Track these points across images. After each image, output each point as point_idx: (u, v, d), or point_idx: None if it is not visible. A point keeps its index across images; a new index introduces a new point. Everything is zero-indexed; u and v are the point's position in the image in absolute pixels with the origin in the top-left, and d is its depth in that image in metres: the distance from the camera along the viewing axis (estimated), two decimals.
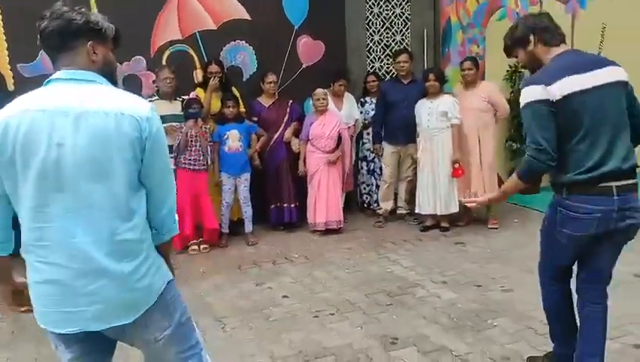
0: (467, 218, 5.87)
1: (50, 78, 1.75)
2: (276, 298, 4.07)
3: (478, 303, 3.81)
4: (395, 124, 5.75)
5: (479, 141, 5.57)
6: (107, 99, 1.70)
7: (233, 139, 5.36)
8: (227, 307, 3.93)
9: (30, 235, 1.70)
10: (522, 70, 7.00)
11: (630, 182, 2.42)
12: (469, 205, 2.88)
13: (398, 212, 6.10)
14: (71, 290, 1.69)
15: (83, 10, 1.77)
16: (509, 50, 2.68)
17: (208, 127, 5.32)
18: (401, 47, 6.61)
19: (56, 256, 1.68)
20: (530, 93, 2.40)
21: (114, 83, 1.85)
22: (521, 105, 2.44)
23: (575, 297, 2.70)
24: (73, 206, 1.65)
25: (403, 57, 5.80)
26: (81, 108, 1.65)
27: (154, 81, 5.46)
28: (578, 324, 2.67)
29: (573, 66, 2.39)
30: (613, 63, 2.47)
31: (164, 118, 5.25)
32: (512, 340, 3.25)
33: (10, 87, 5.14)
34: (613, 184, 2.37)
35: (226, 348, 3.31)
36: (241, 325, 3.62)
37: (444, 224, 5.67)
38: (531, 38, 2.53)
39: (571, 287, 2.71)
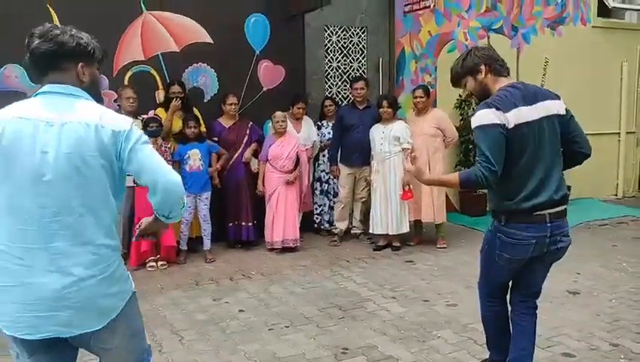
0: (417, 238, 6.16)
1: (38, 91, 1.87)
2: (233, 312, 4.20)
3: (424, 316, 4.05)
4: (351, 147, 6.02)
5: (429, 164, 5.87)
6: (90, 113, 1.83)
7: (194, 159, 5.50)
8: (185, 320, 4.05)
9: (5, 236, 1.78)
10: (471, 99, 7.43)
11: (561, 208, 2.62)
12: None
13: (352, 231, 6.34)
14: (45, 294, 1.78)
15: (74, 32, 1.89)
16: (457, 78, 2.78)
17: (169, 145, 5.44)
18: (358, 74, 6.93)
19: (33, 259, 1.78)
20: (487, 116, 2.48)
21: (98, 99, 1.98)
22: (478, 124, 2.50)
23: (509, 308, 2.96)
24: (52, 211, 1.77)
25: (360, 84, 6.10)
26: (64, 119, 1.79)
27: (115, 100, 5.57)
28: (512, 333, 2.93)
29: (524, 97, 2.54)
30: (553, 96, 2.64)
31: None
32: (453, 350, 3.49)
33: None
34: (547, 212, 2.56)
35: (184, 359, 3.43)
36: (198, 337, 3.74)
37: (395, 243, 5.93)
38: (482, 67, 2.65)
39: (506, 300, 2.96)
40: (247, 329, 3.87)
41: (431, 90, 7.40)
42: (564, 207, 2.65)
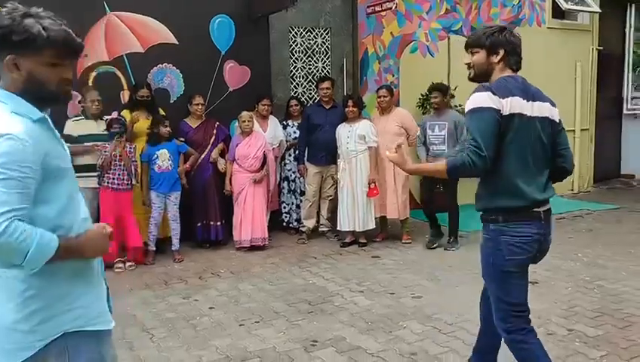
0: (383, 234, 6.31)
1: None
2: (203, 309, 4.25)
3: (391, 308, 4.17)
4: (318, 146, 6.13)
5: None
6: None
7: (163, 159, 5.51)
8: (155, 318, 4.07)
9: None
10: (432, 99, 7.63)
11: (549, 207, 2.53)
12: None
13: (320, 229, 6.44)
14: None
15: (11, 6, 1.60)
16: (473, 45, 2.56)
17: (133, 146, 5.44)
18: (323, 74, 7.04)
19: None
20: (483, 99, 2.36)
21: (44, 103, 1.70)
22: (472, 107, 2.38)
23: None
24: None
25: (326, 84, 6.22)
26: None
27: (79, 102, 5.53)
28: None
29: (522, 90, 2.44)
30: (551, 101, 2.56)
31: (88, 137, 5.39)
32: (419, 339, 3.62)
33: None
34: (541, 209, 2.47)
35: (155, 356, 3.46)
36: (169, 335, 3.78)
37: (362, 240, 6.05)
38: (501, 51, 2.49)
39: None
40: (217, 326, 3.92)
41: (394, 89, 7.59)
42: (550, 206, 2.57)
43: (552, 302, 4.23)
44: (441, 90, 6.15)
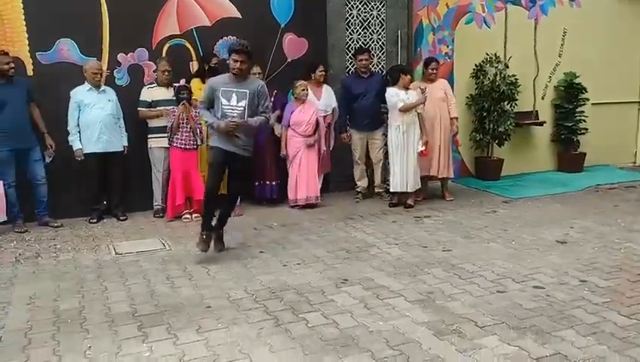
0: (423, 194, 6.73)
1: None
2: (254, 253, 4.84)
3: (420, 258, 4.59)
4: (361, 114, 6.56)
5: (440, 123, 6.58)
6: None
7: None
8: (211, 258, 4.69)
9: None
10: (486, 69, 7.81)
11: None
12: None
13: (376, 191, 6.90)
14: None
15: None
16: None
17: (198, 111, 6.05)
18: (378, 46, 7.39)
19: None
20: None
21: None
22: None
23: None
24: None
25: (365, 55, 6.64)
26: None
27: (154, 71, 6.23)
28: None
29: None
30: None
31: (160, 102, 6.11)
32: (439, 282, 4.03)
33: (30, 72, 5.90)
34: None
35: (211, 284, 4.09)
36: (222, 270, 4.40)
37: (410, 201, 6.45)
38: None
39: None
40: (264, 265, 4.50)
41: (448, 60, 7.85)
42: None
43: (575, 259, 4.49)
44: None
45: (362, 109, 6.53)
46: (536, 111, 8.37)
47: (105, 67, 6.10)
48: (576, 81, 8.38)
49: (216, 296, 3.85)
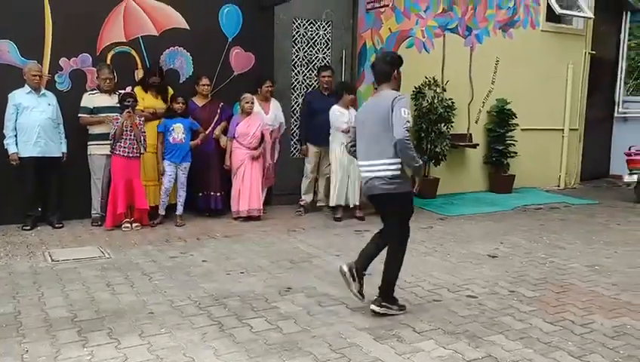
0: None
1: None
2: (197, 262, 4.84)
3: None
4: (318, 129, 6.72)
5: None
6: None
7: (178, 132, 6.12)
8: (154, 266, 4.66)
9: None
10: (425, 91, 8.17)
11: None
12: None
13: (318, 204, 7.03)
14: None
15: None
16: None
17: (142, 118, 6.02)
18: (322, 64, 7.59)
19: None
20: None
21: None
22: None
23: None
24: None
25: (328, 73, 6.87)
26: None
27: (97, 77, 6.14)
28: None
29: None
30: None
31: (103, 109, 6.03)
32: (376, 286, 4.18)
33: None
34: None
35: (153, 291, 4.05)
36: (165, 278, 4.37)
37: (359, 214, 6.68)
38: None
39: None
40: (208, 274, 4.51)
41: None
42: None
43: (504, 271, 4.77)
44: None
45: (320, 125, 6.69)
46: (470, 133, 8.81)
47: (46, 70, 5.97)
48: (507, 107, 8.91)
49: (159, 303, 3.84)
